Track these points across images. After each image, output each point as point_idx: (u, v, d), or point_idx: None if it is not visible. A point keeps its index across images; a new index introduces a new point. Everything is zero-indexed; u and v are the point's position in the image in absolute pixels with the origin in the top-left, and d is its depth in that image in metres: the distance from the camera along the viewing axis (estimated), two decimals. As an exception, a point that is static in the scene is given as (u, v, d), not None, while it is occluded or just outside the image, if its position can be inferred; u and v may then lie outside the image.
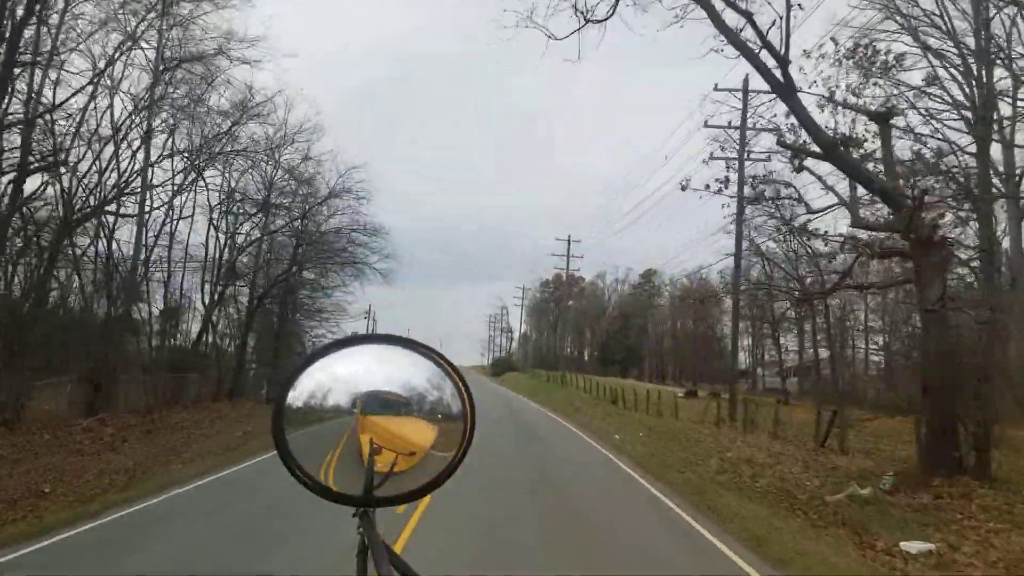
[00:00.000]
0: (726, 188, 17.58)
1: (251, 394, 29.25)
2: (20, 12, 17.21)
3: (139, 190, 23.04)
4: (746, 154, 24.93)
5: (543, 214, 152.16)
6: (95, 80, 19.63)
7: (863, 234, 13.35)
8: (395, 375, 1.11)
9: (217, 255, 25.28)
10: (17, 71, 17.88)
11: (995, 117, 19.98)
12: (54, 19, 19.43)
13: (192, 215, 25.93)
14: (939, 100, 20.84)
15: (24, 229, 19.12)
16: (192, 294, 30.23)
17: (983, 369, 11.97)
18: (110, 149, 21.31)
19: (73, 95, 19.80)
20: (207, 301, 25.16)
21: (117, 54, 20.68)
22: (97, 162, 21.22)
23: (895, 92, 15.88)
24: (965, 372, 11.85)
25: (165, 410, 21.65)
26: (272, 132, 26.15)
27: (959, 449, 11.73)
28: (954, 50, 21.33)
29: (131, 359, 23.31)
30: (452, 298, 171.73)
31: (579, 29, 14.55)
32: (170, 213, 24.26)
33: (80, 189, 20.96)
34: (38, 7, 17.61)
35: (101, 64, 20.11)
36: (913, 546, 8.83)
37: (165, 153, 23.67)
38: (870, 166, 12.02)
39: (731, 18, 12.76)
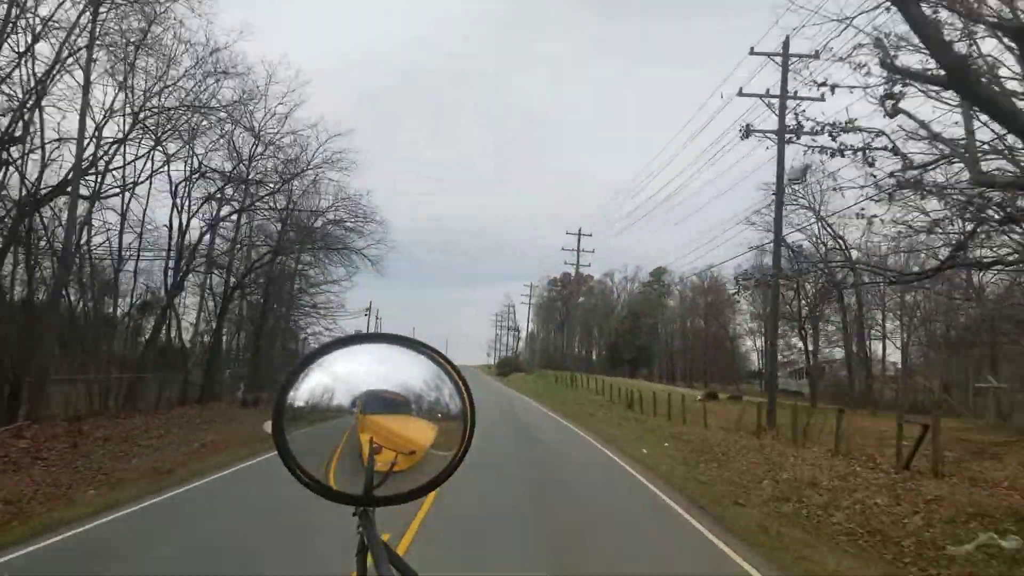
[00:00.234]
0: (797, 139, 14.24)
1: (227, 396, 26.13)
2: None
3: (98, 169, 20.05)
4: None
5: (546, 215, 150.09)
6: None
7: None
8: (395, 374, 1.10)
9: (179, 237, 22.13)
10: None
11: None
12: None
13: (144, 181, 22.12)
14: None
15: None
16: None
17: None
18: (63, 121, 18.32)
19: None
20: (168, 289, 22.00)
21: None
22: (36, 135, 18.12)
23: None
24: None
25: (115, 417, 18.55)
26: (249, 99, 22.94)
27: None
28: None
29: (89, 358, 20.30)
30: (457, 299, 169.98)
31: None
32: (125, 192, 21.06)
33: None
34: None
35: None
36: None
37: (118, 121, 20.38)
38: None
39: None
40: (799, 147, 14.91)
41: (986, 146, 9.88)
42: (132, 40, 19.17)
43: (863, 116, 12.13)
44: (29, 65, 17.94)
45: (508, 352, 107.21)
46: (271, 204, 25.57)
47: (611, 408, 34.98)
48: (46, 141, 19.01)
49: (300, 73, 40.94)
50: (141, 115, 19.78)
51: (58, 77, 18.47)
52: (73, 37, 17.87)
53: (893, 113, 10.35)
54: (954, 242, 10.75)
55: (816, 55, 14.74)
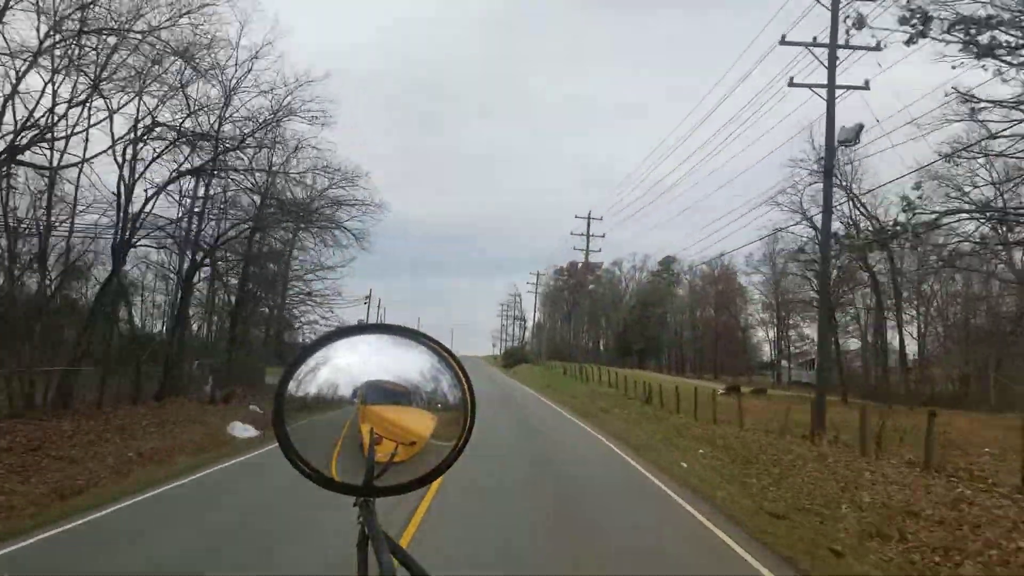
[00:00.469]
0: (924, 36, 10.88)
1: (196, 391, 22.96)
2: None
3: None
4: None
5: (554, 205, 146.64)
6: None
7: None
8: (395, 365, 1.10)
9: (125, 204, 18.72)
10: None
11: None
12: None
13: (78, 134, 18.48)
14: None
15: None
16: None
17: None
18: None
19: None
20: (113, 266, 18.67)
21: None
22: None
23: None
24: None
25: (39, 419, 15.41)
26: (207, 44, 19.48)
27: None
28: None
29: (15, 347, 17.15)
30: (463, 289, 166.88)
31: None
32: (56, 151, 17.65)
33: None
34: None
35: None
36: None
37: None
38: None
39: None
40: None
41: None
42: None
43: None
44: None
45: (514, 343, 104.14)
46: (243, 168, 22.16)
47: (626, 403, 31.74)
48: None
49: (277, 27, 36.90)
50: (59, 38, 16.27)
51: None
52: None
53: None
54: None
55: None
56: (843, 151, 36.68)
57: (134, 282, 27.34)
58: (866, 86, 21.23)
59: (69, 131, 17.82)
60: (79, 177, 18.71)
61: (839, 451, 15.62)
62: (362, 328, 1.13)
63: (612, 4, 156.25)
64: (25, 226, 17.55)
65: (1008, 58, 10.51)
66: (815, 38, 21.01)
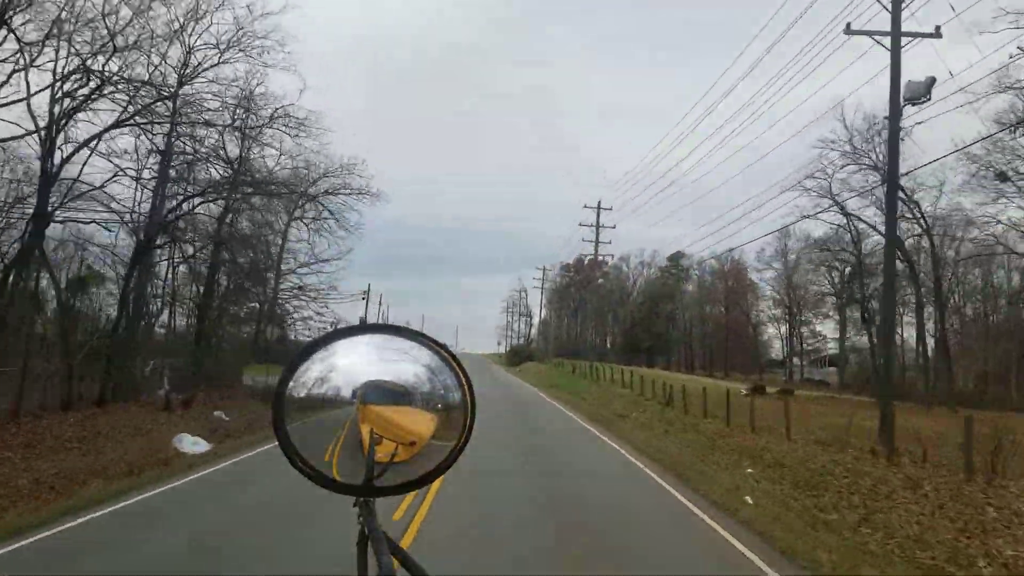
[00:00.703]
0: None
1: (150, 395, 19.78)
2: None
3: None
4: None
5: (559, 202, 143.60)
6: None
7: None
8: (395, 364, 1.10)
9: (45, 164, 15.39)
10: None
11: None
12: None
13: None
14: None
15: None
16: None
17: None
18: None
19: None
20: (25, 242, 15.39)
21: None
22: None
23: None
24: None
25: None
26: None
27: None
28: None
29: None
30: (468, 287, 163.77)
31: None
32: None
33: None
34: None
35: None
36: None
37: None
38: None
39: None
40: None
41: None
42: None
43: None
44: None
45: (520, 340, 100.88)
46: (198, 121, 18.73)
47: (644, 406, 28.48)
48: None
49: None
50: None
51: None
52: None
53: None
54: None
55: None
56: (875, 130, 33.27)
57: (92, 268, 24.26)
58: (937, 33, 17.98)
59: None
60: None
61: (932, 473, 12.36)
62: (362, 328, 1.12)
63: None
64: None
65: None
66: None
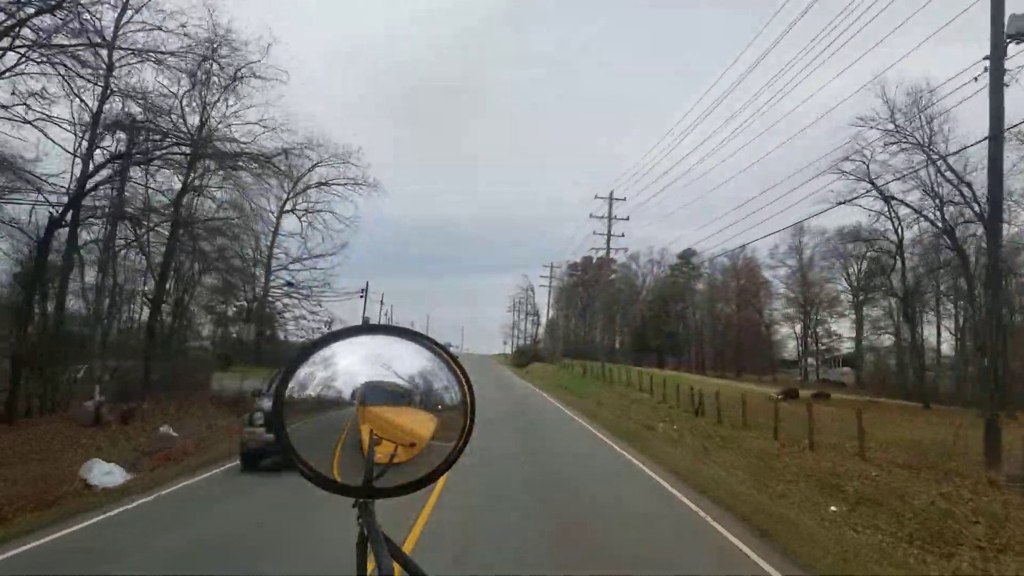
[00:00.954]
0: None
1: (77, 408, 16.37)
2: None
3: None
4: None
5: (566, 201, 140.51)
6: None
7: None
8: (395, 365, 1.09)
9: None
10: None
11: None
12: None
13: None
14: None
15: None
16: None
17: None
18: None
19: None
20: None
21: None
22: None
23: None
24: None
25: None
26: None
27: None
28: None
29: None
30: (473, 288, 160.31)
31: None
32: None
33: None
34: None
35: None
36: None
37: None
38: None
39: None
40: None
41: None
42: None
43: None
44: None
45: (526, 340, 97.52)
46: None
47: (668, 414, 25.02)
48: None
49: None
50: None
51: None
52: None
53: None
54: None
55: None
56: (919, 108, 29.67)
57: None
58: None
59: None
60: None
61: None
62: (361, 329, 1.11)
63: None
64: None
65: None
66: None
